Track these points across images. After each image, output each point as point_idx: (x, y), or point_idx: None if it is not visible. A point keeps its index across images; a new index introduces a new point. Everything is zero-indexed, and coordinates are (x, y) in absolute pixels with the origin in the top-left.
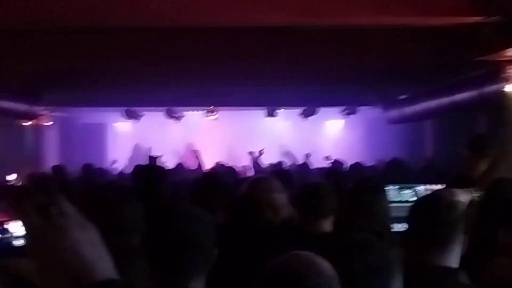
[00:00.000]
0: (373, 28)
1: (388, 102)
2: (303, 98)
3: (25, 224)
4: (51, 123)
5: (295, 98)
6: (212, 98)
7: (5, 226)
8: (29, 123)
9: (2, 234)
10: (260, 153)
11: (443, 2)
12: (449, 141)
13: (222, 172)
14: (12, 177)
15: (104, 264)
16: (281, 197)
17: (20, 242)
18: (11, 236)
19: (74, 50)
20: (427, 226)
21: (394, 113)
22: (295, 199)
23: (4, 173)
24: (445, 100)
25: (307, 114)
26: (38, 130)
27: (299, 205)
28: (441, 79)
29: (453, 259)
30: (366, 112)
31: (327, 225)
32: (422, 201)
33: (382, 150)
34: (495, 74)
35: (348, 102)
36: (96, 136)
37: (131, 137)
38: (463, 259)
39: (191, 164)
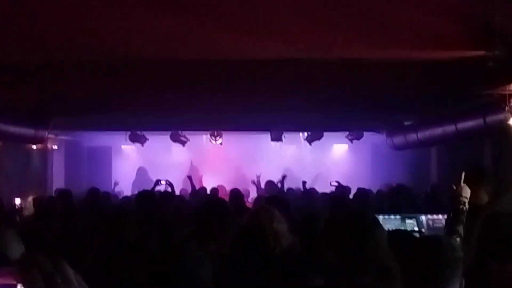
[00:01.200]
0: (377, 60)
1: (393, 128)
2: (309, 123)
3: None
4: (57, 146)
5: (300, 123)
6: (217, 122)
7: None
8: (36, 146)
9: None
10: (283, 177)
11: (446, 36)
12: (453, 169)
13: (226, 199)
14: (17, 201)
15: None
16: (281, 227)
17: None
18: None
19: (80, 77)
20: (426, 266)
21: (399, 139)
22: (298, 228)
23: (12, 195)
24: (449, 128)
25: (312, 138)
26: (44, 153)
27: (301, 235)
28: (445, 107)
29: None
30: (371, 137)
31: (330, 254)
32: (422, 241)
33: (387, 175)
34: (499, 104)
35: (353, 128)
36: (101, 159)
37: (136, 160)
38: None
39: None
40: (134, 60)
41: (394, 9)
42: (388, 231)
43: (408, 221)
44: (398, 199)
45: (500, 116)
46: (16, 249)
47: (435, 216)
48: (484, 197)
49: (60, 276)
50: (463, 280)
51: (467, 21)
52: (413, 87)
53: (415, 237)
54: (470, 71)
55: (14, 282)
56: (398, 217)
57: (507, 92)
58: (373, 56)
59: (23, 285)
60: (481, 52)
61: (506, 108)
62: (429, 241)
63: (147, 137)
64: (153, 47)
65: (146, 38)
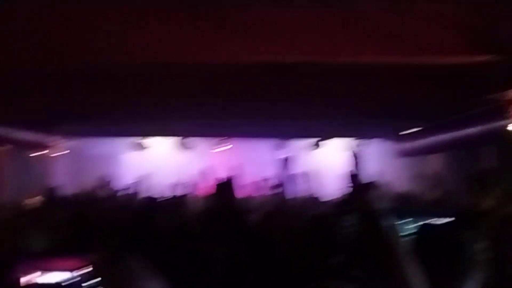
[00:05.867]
0: (383, 66)
1: (398, 136)
2: (315, 129)
3: (101, 275)
4: (61, 153)
5: (306, 130)
6: (222, 129)
7: (85, 270)
8: (41, 153)
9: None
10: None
11: (450, 43)
12: (458, 175)
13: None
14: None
15: None
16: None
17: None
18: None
19: (87, 85)
20: (447, 260)
21: (405, 146)
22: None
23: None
24: (454, 135)
25: (316, 145)
26: (49, 160)
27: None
28: (452, 114)
29: None
30: (377, 145)
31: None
32: (444, 235)
33: (393, 183)
34: (503, 110)
35: (361, 135)
36: (105, 166)
37: (140, 167)
38: None
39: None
40: (140, 66)
41: (398, 18)
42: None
43: (414, 225)
44: (404, 205)
45: (505, 121)
46: None
47: (441, 220)
48: (491, 202)
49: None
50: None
51: (471, 29)
52: (418, 94)
53: (443, 227)
54: (474, 77)
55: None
56: (404, 221)
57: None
58: (378, 63)
59: (93, 271)
60: (484, 59)
61: (510, 112)
62: (450, 234)
63: (151, 144)
64: (159, 52)
65: (153, 43)
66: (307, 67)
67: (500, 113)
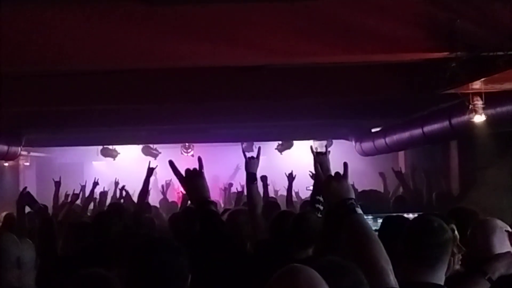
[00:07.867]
0: (345, 66)
1: (361, 135)
2: (278, 132)
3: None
4: (28, 163)
5: (270, 133)
6: (188, 135)
7: None
8: (7, 163)
9: None
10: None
11: (410, 39)
12: (421, 171)
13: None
14: None
15: None
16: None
17: None
18: None
19: (52, 92)
20: (419, 246)
21: (368, 145)
22: (279, 227)
23: None
24: (416, 132)
25: (283, 148)
26: (16, 170)
27: (286, 234)
28: (412, 112)
29: (440, 277)
30: (340, 145)
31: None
32: (415, 224)
33: (358, 180)
34: (463, 105)
35: (322, 136)
36: (73, 175)
37: (108, 175)
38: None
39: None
40: (104, 72)
41: (357, 14)
42: (384, 217)
43: (379, 220)
44: (368, 201)
45: (465, 117)
46: None
47: (405, 215)
48: None
49: None
50: (452, 259)
51: (429, 25)
52: (379, 92)
53: (407, 219)
54: (434, 72)
55: None
56: (370, 217)
57: (470, 91)
58: (337, 61)
59: None
60: (444, 54)
61: (470, 106)
62: (420, 223)
63: (119, 151)
64: (123, 58)
65: (116, 49)
66: (269, 69)
67: (461, 109)
